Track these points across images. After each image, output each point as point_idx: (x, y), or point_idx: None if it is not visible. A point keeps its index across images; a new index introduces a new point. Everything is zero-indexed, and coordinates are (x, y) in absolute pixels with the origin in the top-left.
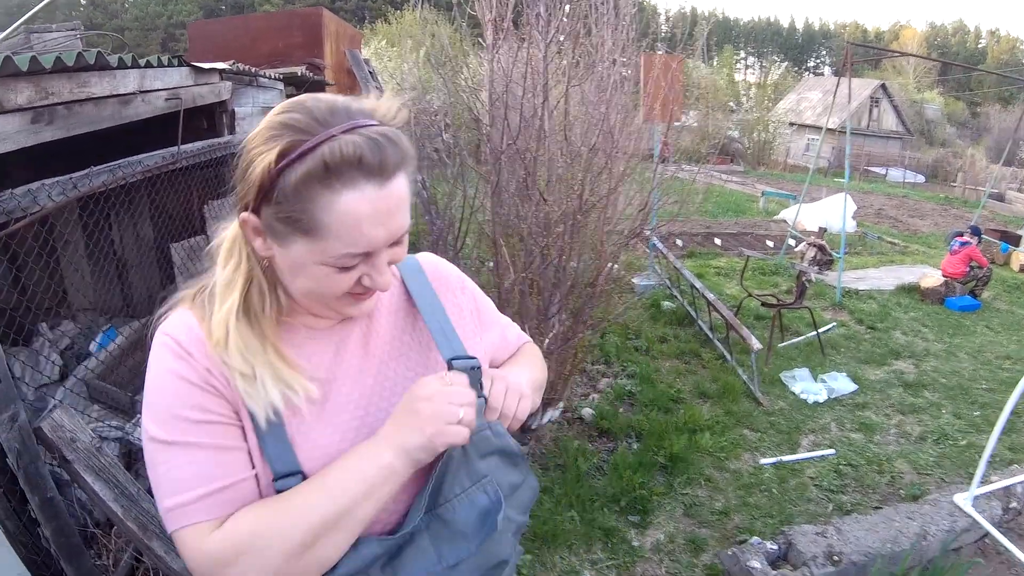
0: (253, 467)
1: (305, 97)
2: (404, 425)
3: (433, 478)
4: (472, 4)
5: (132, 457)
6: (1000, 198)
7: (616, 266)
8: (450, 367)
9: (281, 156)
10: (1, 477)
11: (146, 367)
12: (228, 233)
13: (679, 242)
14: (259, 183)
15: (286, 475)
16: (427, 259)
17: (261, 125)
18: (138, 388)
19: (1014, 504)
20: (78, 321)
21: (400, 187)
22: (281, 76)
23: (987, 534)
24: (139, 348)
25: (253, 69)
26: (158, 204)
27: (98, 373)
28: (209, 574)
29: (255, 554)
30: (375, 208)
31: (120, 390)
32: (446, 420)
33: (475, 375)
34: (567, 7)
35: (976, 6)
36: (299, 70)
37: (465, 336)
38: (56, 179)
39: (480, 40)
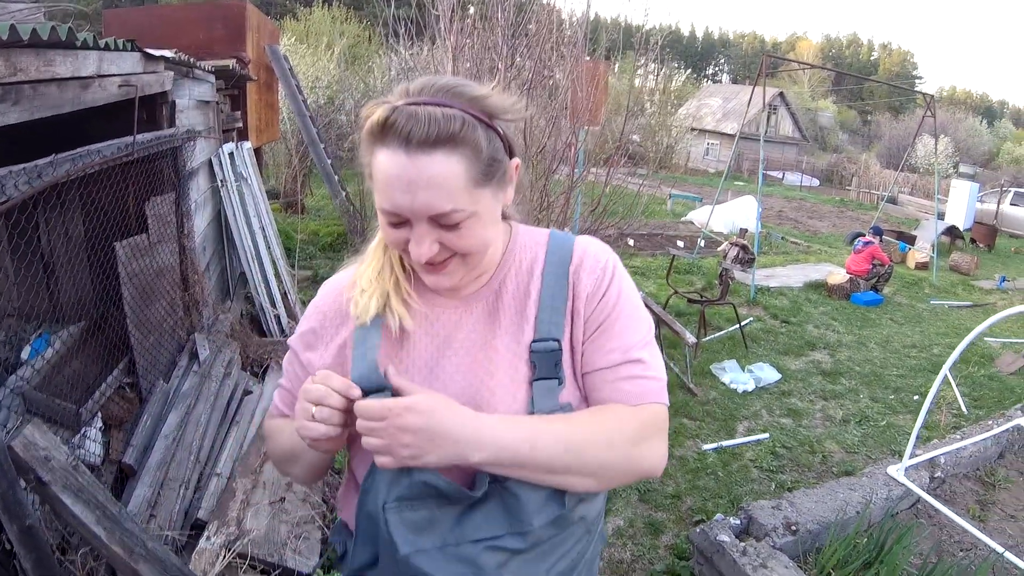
0: None
1: (435, 76)
2: None
3: None
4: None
5: None
6: (893, 201)
7: None
8: (531, 351)
9: (366, 117)
10: None
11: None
12: None
13: None
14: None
15: (374, 391)
16: (582, 243)
17: None
18: (80, 400)
19: (938, 473)
20: (1, 329)
21: (433, 165)
22: (213, 69)
23: (918, 500)
24: (76, 355)
25: (192, 60)
26: (90, 201)
27: (34, 384)
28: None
29: (268, 441)
30: (398, 173)
31: (62, 401)
32: (304, 416)
33: (552, 357)
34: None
35: (870, 20)
36: (230, 63)
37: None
38: (22, 166)
39: (390, 41)
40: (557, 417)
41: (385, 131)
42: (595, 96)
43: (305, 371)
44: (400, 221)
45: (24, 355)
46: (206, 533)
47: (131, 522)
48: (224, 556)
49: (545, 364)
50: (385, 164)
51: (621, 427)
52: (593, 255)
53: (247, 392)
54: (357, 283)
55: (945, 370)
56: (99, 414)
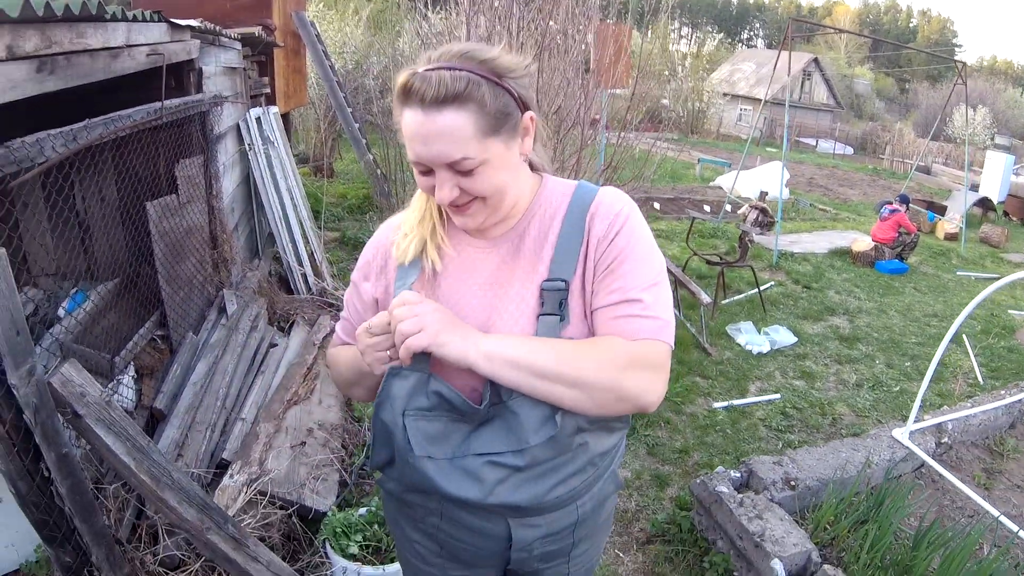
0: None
1: (452, 44)
2: None
3: None
4: None
5: None
6: (927, 171)
7: None
8: (542, 289)
9: (395, 83)
10: (14, 435)
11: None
12: None
13: None
14: None
15: None
16: (603, 192)
17: None
18: (114, 351)
19: (945, 439)
20: (41, 287)
21: (446, 120)
22: (239, 36)
23: (923, 465)
24: (111, 310)
25: (217, 28)
26: (123, 165)
27: (73, 336)
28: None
29: (332, 367)
30: (417, 128)
31: (98, 352)
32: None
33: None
34: None
35: None
36: (256, 31)
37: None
38: (59, 130)
39: (417, 6)
40: (554, 339)
41: (406, 94)
42: (613, 58)
43: (362, 300)
44: (425, 170)
45: (62, 311)
46: (230, 472)
47: (158, 454)
48: (246, 492)
49: (551, 301)
50: (408, 122)
51: (612, 354)
52: (609, 203)
53: (272, 345)
54: (402, 227)
55: (956, 327)
56: (132, 363)
